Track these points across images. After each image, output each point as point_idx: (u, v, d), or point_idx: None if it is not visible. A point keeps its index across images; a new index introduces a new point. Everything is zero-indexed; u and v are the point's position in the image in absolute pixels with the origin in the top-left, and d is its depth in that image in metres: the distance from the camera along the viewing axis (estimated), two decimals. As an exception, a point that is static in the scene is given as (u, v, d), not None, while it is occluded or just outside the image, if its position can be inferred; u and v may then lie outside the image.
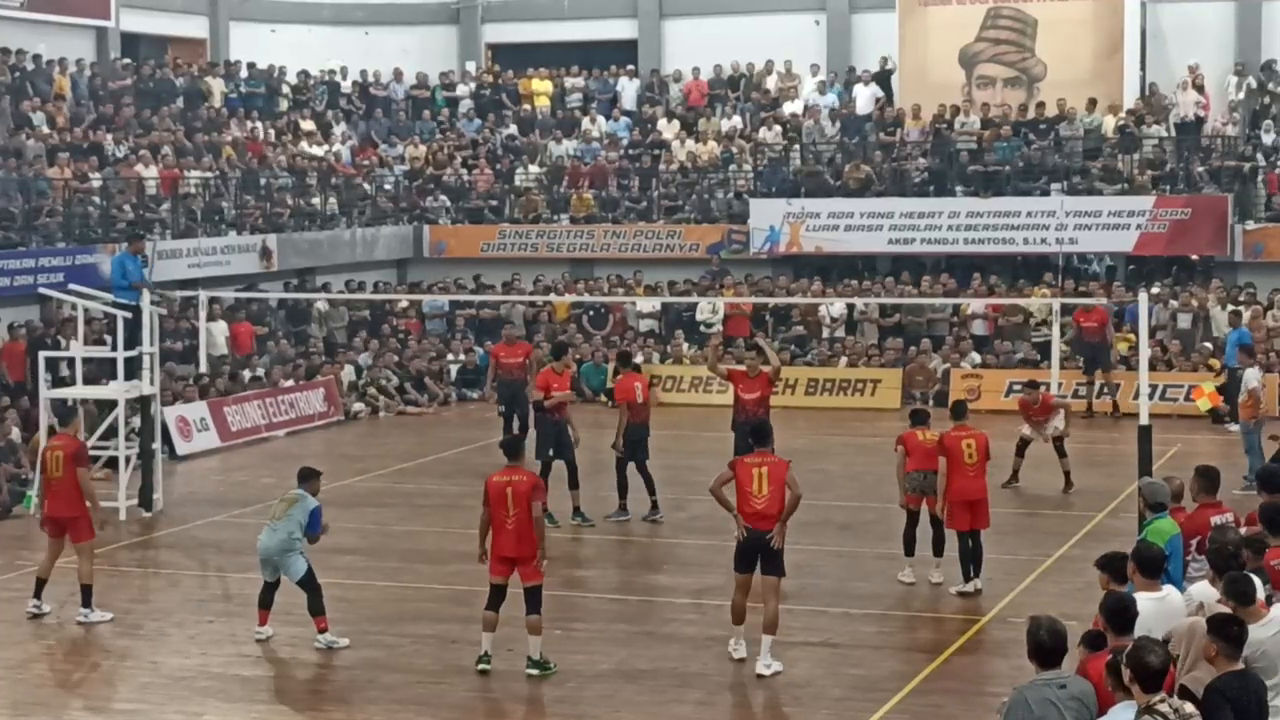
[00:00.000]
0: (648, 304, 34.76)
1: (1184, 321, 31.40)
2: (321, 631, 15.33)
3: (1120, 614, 9.11)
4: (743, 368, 21.30)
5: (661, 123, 39.37)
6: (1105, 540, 16.96)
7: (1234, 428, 26.82)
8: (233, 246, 33.15)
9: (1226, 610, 9.36)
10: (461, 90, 41.45)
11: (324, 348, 33.16)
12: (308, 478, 15.79)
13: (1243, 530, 12.12)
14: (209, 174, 34.14)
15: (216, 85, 37.70)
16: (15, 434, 24.06)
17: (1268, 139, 35.10)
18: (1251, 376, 23.78)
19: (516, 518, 14.12)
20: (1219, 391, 27.97)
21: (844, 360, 32.30)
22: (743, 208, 36.26)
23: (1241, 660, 8.68)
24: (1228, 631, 8.60)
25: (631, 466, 21.05)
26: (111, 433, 22.22)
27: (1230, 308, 29.70)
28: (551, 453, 20.77)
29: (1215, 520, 12.40)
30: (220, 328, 30.74)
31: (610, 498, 21.16)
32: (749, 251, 35.54)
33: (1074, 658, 9.26)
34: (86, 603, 16.42)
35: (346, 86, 40.97)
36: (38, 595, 16.56)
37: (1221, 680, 8.49)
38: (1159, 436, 22.13)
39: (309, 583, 15.38)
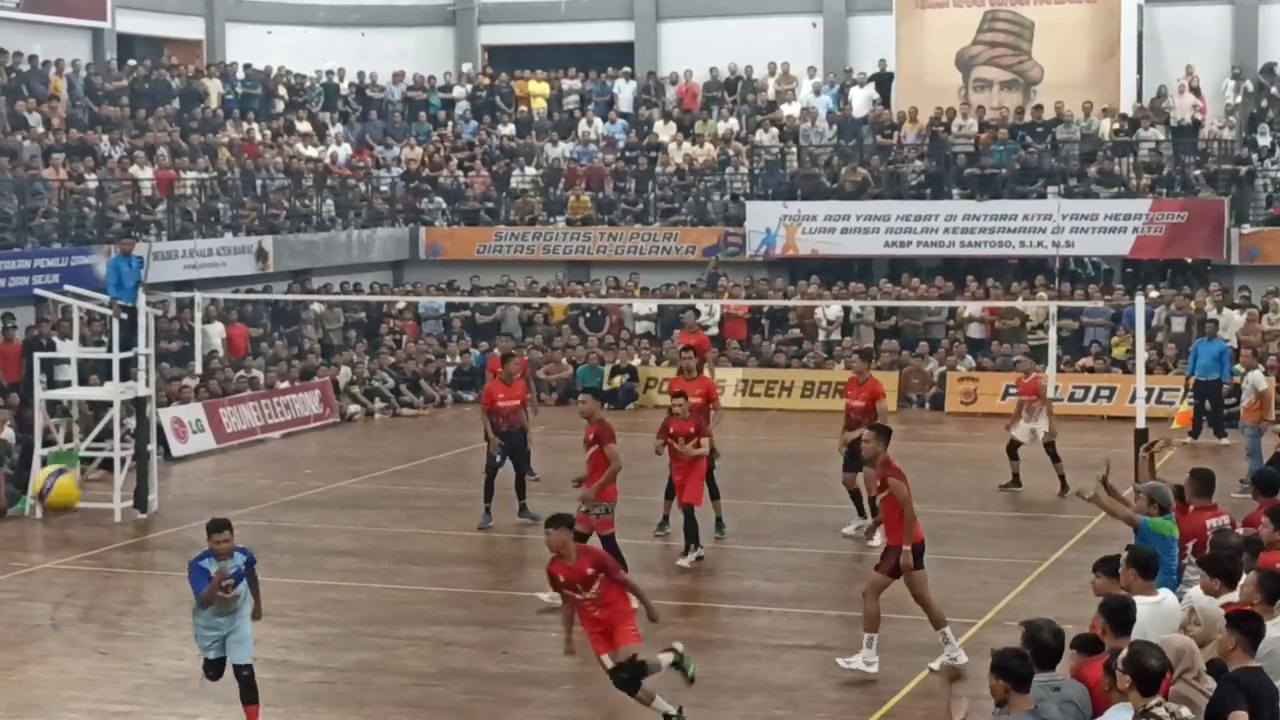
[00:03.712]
0: (644, 306, 34.72)
1: (1178, 325, 31.36)
2: None
3: (1121, 614, 9.09)
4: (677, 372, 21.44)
5: (658, 125, 39.35)
6: (1101, 544, 16.90)
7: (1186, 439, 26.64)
8: (229, 248, 33.14)
9: (1222, 615, 9.34)
10: (458, 92, 41.43)
11: (320, 349, 33.12)
12: (211, 532, 12.53)
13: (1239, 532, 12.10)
14: (205, 175, 34.13)
15: (213, 86, 37.69)
16: (9, 435, 23.98)
17: (1264, 141, 35.09)
18: (1260, 379, 23.67)
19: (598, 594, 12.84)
20: (1190, 409, 27.72)
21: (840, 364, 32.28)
22: (739, 210, 36.24)
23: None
24: (1248, 626, 8.61)
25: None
26: (107, 434, 22.17)
27: (1211, 317, 29.54)
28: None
29: (1211, 523, 12.36)
30: (216, 329, 30.70)
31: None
32: (745, 254, 35.52)
33: (1067, 662, 9.24)
34: None
35: (343, 88, 40.96)
36: None
37: (1238, 672, 8.49)
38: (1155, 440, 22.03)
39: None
